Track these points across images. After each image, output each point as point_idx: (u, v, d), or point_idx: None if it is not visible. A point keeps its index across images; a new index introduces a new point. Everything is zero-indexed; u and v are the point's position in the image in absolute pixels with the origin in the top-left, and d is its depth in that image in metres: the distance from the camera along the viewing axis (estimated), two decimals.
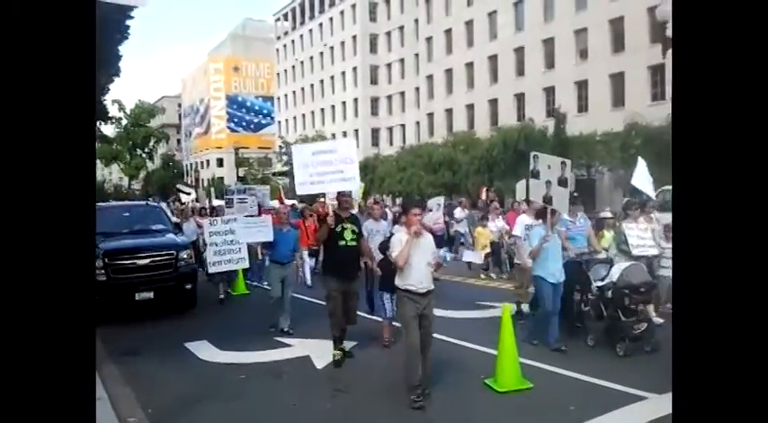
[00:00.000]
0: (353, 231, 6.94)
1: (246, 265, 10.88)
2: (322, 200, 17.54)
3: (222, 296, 11.16)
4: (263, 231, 8.84)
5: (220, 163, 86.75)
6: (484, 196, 20.50)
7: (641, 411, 5.07)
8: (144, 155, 77.88)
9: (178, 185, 38.60)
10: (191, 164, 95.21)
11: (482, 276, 13.55)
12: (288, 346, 7.63)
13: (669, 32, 17.05)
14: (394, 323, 7.18)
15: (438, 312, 8.54)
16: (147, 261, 9.49)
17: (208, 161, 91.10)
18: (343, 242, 6.83)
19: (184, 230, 12.67)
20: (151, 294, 9.29)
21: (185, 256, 9.93)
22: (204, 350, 7.56)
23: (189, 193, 26.15)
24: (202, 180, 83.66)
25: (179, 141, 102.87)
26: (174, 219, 14.86)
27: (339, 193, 7.10)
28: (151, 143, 77.63)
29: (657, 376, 5.73)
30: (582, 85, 39.12)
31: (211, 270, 10.53)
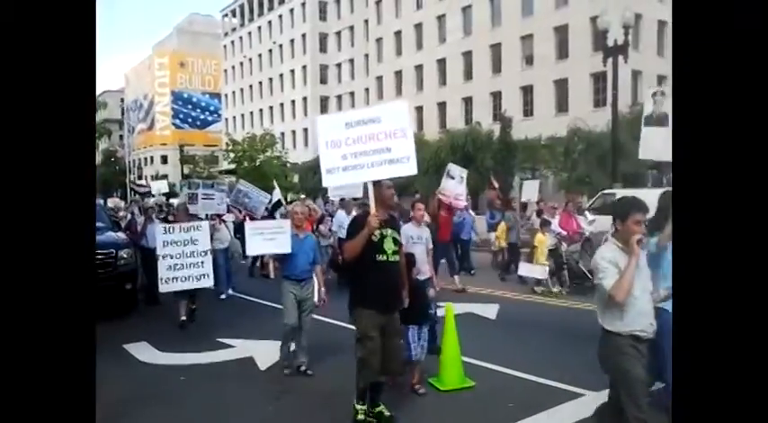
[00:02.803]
0: (395, 240, 4.89)
1: (211, 283, 8.74)
2: (302, 196, 15.22)
3: (184, 318, 8.86)
4: (278, 240, 6.58)
5: (164, 160, 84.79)
6: (491, 195, 16.50)
7: (578, 407, 5.23)
8: None
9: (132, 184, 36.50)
10: (133, 160, 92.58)
11: (536, 290, 11.22)
12: (230, 346, 7.51)
13: (609, 41, 17.69)
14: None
15: None
16: None
17: (152, 158, 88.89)
18: (383, 256, 4.77)
19: (147, 235, 10.54)
20: None
21: (125, 256, 9.64)
22: (144, 351, 7.37)
23: (147, 189, 22.37)
24: (146, 177, 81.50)
25: (121, 137, 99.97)
26: (141, 220, 11.95)
27: (376, 182, 4.87)
28: None
29: (597, 374, 5.92)
30: (527, 91, 40.05)
31: (163, 288, 8.41)
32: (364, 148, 4.74)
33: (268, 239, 6.64)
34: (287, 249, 6.45)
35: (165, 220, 12.17)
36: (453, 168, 12.07)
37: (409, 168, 4.76)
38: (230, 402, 5.65)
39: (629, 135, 24.38)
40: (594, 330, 3.95)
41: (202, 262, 8.41)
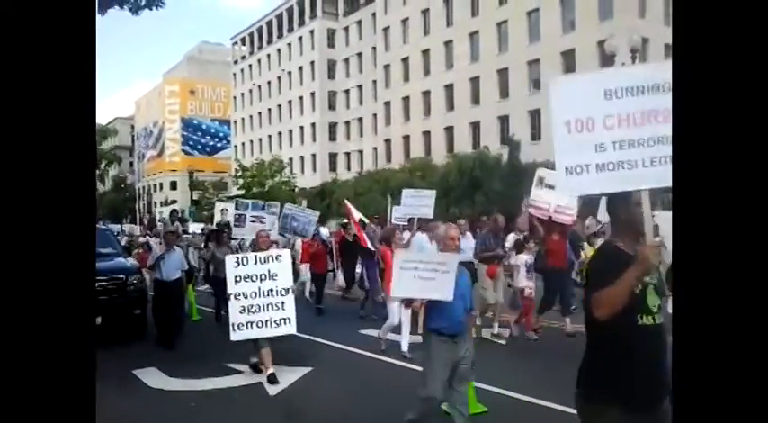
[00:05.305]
0: (658, 291, 2.81)
1: (293, 329, 7.04)
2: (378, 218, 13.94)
3: (254, 360, 7.32)
4: (439, 282, 4.49)
5: (174, 186, 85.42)
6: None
7: None
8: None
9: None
10: (143, 187, 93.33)
11: None
12: (240, 372, 7.44)
13: (617, 66, 17.78)
14: None
15: (397, 337, 8.53)
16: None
17: (161, 184, 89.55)
18: (647, 318, 2.75)
19: (162, 266, 9.32)
20: (98, 320, 8.97)
21: (135, 281, 9.67)
22: (153, 377, 7.31)
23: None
24: (155, 203, 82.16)
25: (131, 164, 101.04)
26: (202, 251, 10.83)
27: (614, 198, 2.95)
28: (102, 165, 76.08)
29: None
30: (535, 114, 40.15)
31: (235, 336, 6.85)
32: (638, 133, 2.73)
33: (425, 279, 4.52)
34: (449, 296, 4.45)
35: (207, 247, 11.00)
36: (548, 175, 9.08)
37: None
38: None
39: None
40: None
41: (283, 303, 6.80)
